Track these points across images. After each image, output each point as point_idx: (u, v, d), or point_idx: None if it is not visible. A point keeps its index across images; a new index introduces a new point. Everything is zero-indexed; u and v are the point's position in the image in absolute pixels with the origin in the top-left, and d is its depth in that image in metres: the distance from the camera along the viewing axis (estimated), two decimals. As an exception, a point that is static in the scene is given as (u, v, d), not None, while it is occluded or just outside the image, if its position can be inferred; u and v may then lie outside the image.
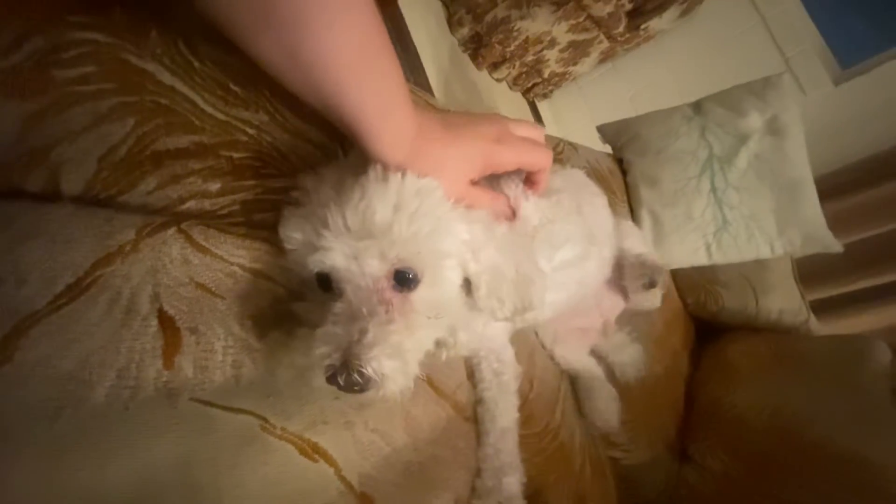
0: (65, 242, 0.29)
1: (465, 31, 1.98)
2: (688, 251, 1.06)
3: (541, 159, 0.43)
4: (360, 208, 0.30)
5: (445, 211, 0.34)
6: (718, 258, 1.05)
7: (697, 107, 1.10)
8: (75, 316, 0.28)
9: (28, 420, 0.26)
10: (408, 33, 1.72)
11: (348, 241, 0.31)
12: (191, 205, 0.35)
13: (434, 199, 0.34)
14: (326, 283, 0.33)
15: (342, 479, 0.33)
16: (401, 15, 1.71)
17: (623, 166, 1.14)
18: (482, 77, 2.14)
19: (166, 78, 0.34)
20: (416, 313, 0.33)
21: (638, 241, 0.70)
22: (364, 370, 0.28)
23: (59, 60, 0.30)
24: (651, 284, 0.65)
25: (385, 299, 0.32)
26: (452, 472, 0.40)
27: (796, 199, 1.00)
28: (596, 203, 0.65)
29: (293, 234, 0.33)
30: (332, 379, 0.28)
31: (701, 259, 1.06)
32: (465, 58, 2.07)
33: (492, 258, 0.36)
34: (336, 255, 0.31)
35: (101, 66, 0.32)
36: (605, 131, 1.21)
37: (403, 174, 0.33)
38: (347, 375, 0.28)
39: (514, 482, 0.41)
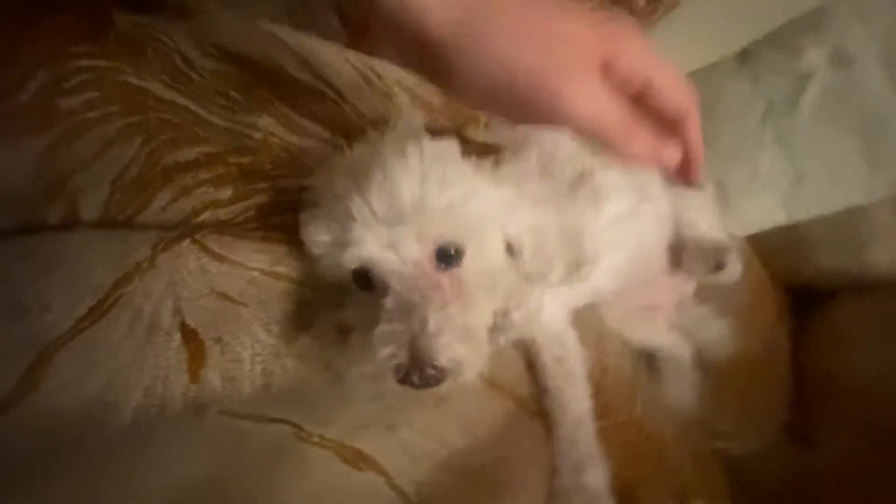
0: (84, 267, 0.29)
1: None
2: (762, 212, 0.94)
3: (678, 82, 0.25)
4: (385, 189, 0.27)
5: (470, 172, 0.31)
6: (800, 213, 0.93)
7: (744, 56, 1.00)
8: (98, 337, 0.27)
9: (55, 448, 0.25)
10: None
11: (380, 230, 0.28)
12: (206, 216, 0.34)
13: (457, 160, 0.31)
14: (365, 281, 0.30)
15: (394, 487, 0.29)
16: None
17: (670, 135, 1.05)
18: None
19: (167, 94, 0.34)
20: (469, 289, 0.29)
21: (702, 214, 0.61)
22: (437, 362, 0.25)
23: (63, 90, 0.31)
24: (718, 267, 0.57)
25: (434, 282, 0.28)
26: (523, 473, 0.35)
27: (886, 131, 0.86)
28: None
29: (318, 237, 0.30)
30: (405, 379, 0.26)
31: (779, 218, 0.94)
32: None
33: (529, 216, 0.32)
34: (370, 246, 0.28)
35: (103, 90, 0.32)
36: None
37: (419, 140, 0.29)
38: (421, 371, 0.25)
39: (597, 477, 0.35)
